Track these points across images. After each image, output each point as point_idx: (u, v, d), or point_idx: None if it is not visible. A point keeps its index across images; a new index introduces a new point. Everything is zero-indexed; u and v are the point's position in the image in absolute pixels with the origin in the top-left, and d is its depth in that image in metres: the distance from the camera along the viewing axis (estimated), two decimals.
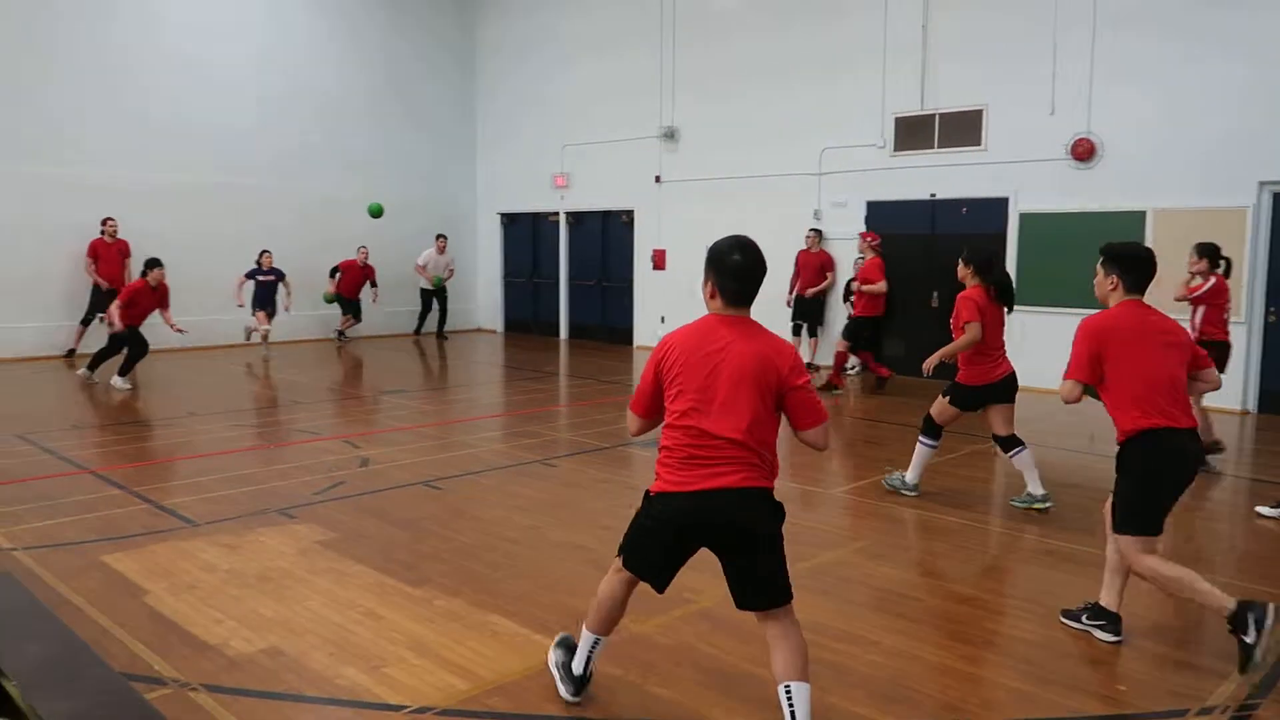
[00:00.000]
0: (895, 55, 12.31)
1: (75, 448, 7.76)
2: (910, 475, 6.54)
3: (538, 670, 3.72)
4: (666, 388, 3.19)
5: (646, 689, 3.65)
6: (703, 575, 4.84)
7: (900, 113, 12.35)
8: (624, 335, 16.03)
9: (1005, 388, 6.25)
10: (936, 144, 12.09)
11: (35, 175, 12.97)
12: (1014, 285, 6.49)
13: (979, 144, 11.73)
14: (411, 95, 17.20)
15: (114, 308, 10.65)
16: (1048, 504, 6.15)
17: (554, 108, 16.79)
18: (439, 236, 16.21)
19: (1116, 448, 4.09)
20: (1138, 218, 10.50)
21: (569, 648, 3.59)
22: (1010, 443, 6.25)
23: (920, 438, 6.48)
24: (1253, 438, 9.12)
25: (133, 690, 3.16)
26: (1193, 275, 7.80)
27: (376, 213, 12.85)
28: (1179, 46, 10.20)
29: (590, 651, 3.47)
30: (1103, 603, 4.18)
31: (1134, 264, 4.07)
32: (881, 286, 11.16)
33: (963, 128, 11.85)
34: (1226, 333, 7.73)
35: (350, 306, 15.29)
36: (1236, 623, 3.70)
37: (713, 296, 3.19)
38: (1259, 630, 3.63)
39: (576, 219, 16.89)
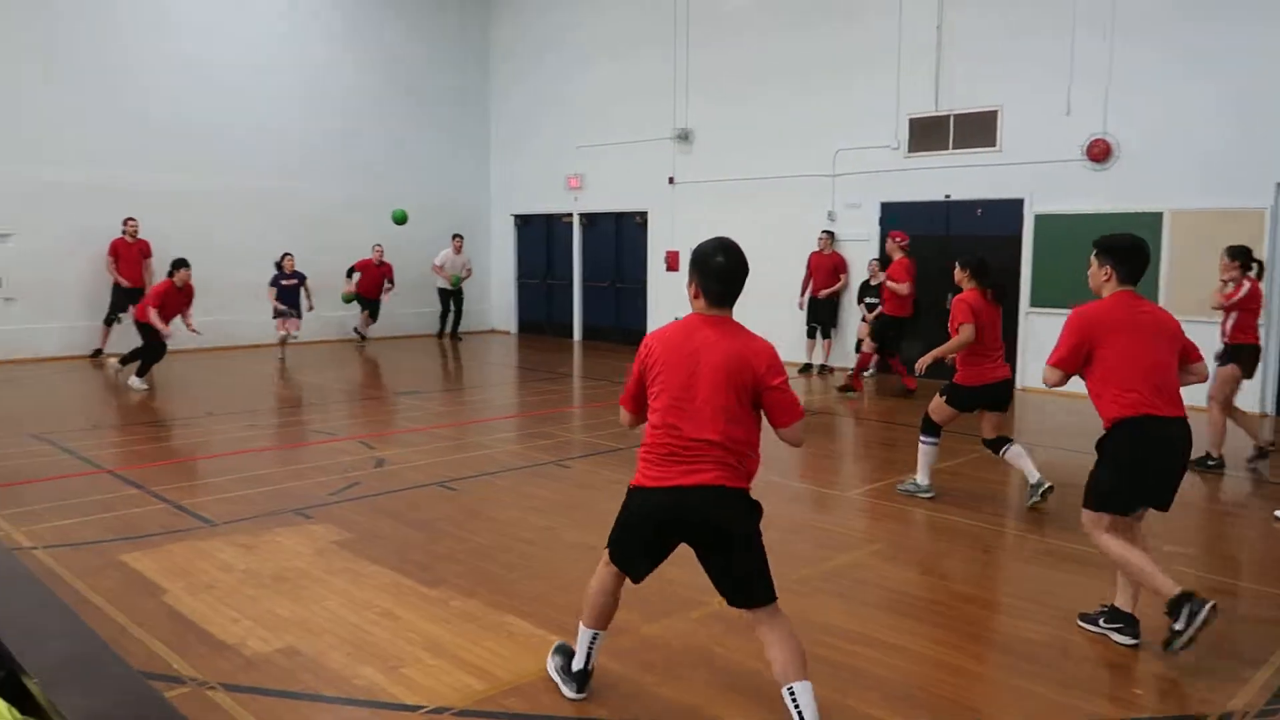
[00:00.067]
0: (910, 56, 12.27)
1: (94, 447, 7.82)
2: (921, 477, 6.55)
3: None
4: (649, 385, 3.26)
5: (659, 691, 3.65)
6: None
7: (914, 114, 12.32)
8: (637, 337, 15.92)
9: (1000, 394, 6.35)
10: (951, 145, 12.04)
11: (54, 179, 13.07)
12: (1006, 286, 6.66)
13: (994, 145, 11.68)
14: (425, 96, 17.25)
15: (152, 314, 10.60)
16: (1048, 485, 6.19)
17: (568, 109, 16.81)
18: (455, 236, 16.23)
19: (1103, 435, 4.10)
20: (1154, 219, 10.44)
21: (566, 653, 3.62)
22: (998, 443, 6.40)
23: (920, 437, 6.53)
24: (1273, 440, 9.04)
25: (152, 689, 3.18)
26: (1225, 281, 7.58)
27: (401, 219, 13.00)
28: (1197, 45, 10.13)
29: (589, 647, 3.50)
30: (1118, 605, 4.16)
31: (1127, 255, 4.09)
32: (905, 288, 11.03)
33: (977, 129, 11.81)
34: (1256, 336, 7.64)
35: (369, 305, 15.31)
36: (1172, 609, 3.81)
37: (696, 297, 3.27)
38: (1189, 623, 3.76)
39: (590, 220, 16.91)
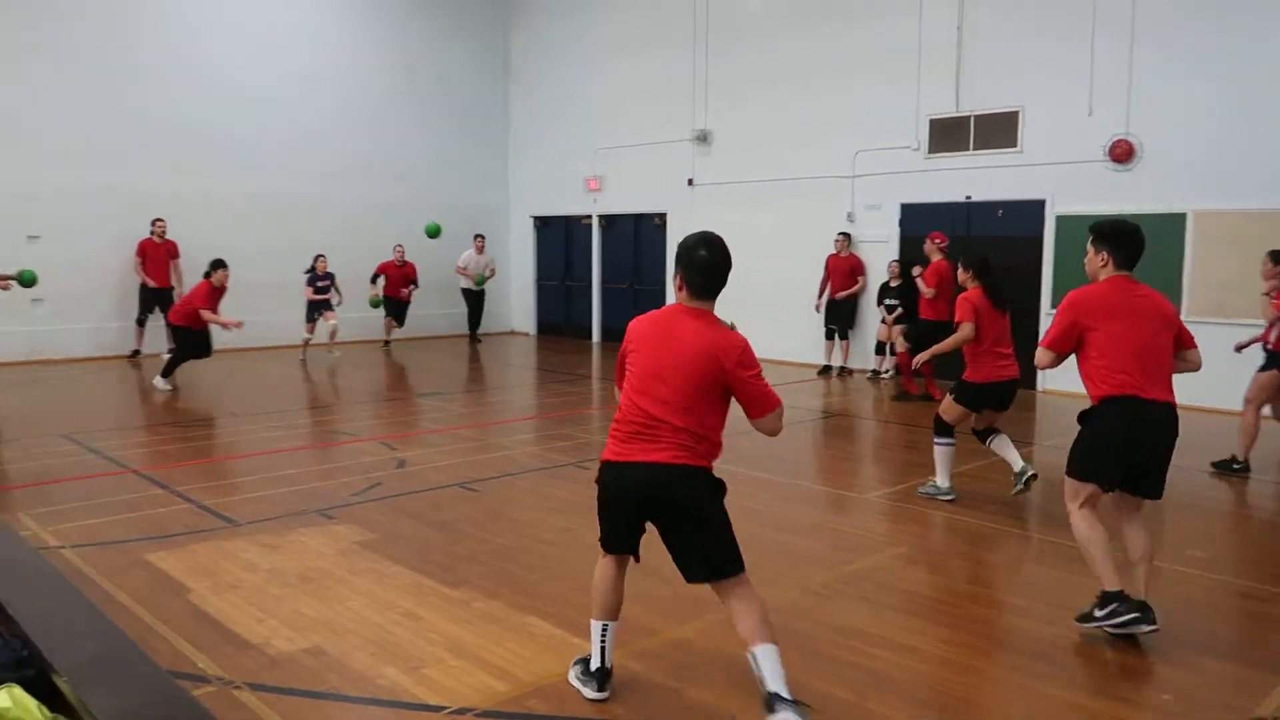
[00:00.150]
0: (930, 56, 12.23)
1: (120, 448, 7.90)
2: (940, 479, 6.55)
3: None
4: (627, 366, 3.45)
5: (684, 692, 3.65)
6: None
7: (934, 114, 12.27)
8: None
9: (1007, 393, 6.39)
10: (971, 146, 11.99)
11: (83, 182, 13.23)
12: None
13: (1015, 145, 11.62)
14: (446, 99, 17.33)
15: (209, 314, 10.74)
16: (1031, 473, 6.30)
17: (587, 111, 16.84)
18: (477, 236, 16.26)
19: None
20: (1178, 220, 10.36)
21: (585, 660, 3.64)
22: (986, 433, 6.52)
23: (935, 439, 6.55)
24: None
25: (180, 688, 3.22)
26: (1271, 289, 7.42)
27: (434, 233, 13.33)
28: (1221, 42, 10.04)
29: (602, 641, 3.56)
30: (1123, 589, 4.10)
31: (1122, 240, 4.16)
32: (930, 291, 10.73)
33: (998, 129, 11.75)
34: None
35: (395, 309, 15.33)
36: (1103, 601, 4.01)
37: (679, 289, 3.41)
38: (1107, 618, 3.99)
39: (609, 222, 16.93)
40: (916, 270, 11.33)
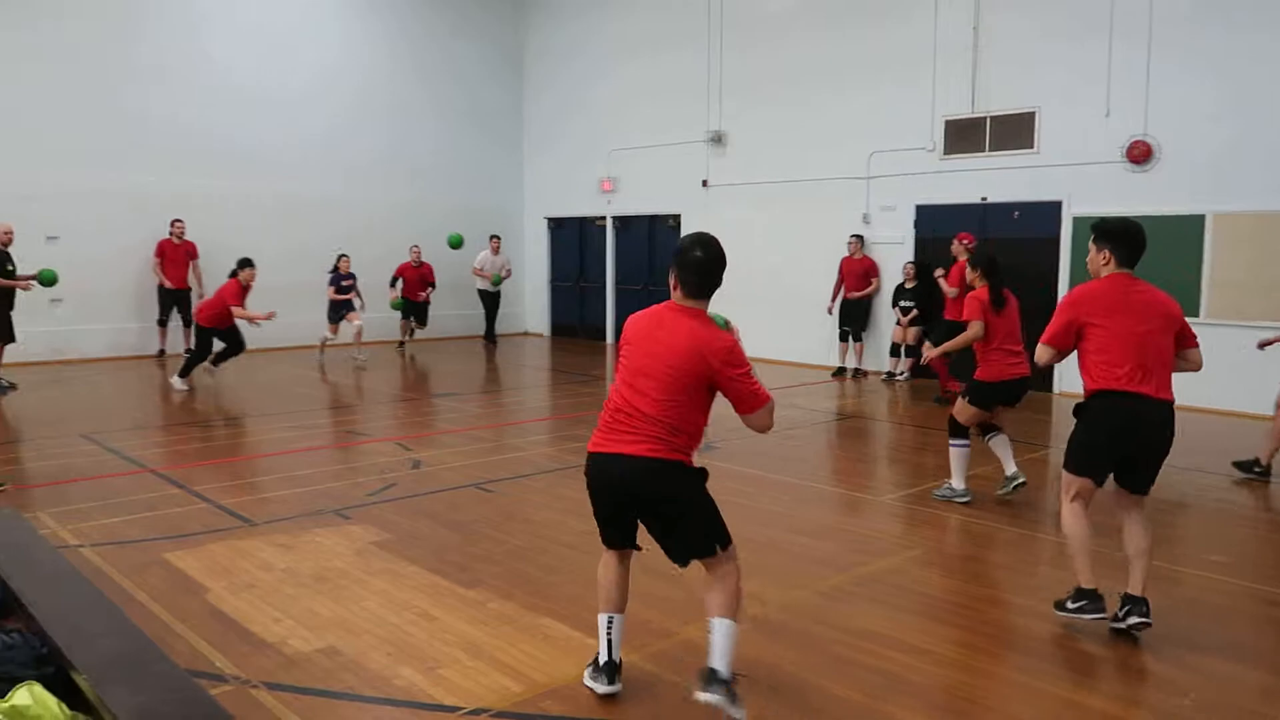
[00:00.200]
0: (945, 57, 12.18)
1: (138, 447, 7.96)
2: (956, 481, 6.54)
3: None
4: (620, 360, 3.56)
5: (699, 694, 3.64)
6: (757, 581, 4.85)
7: (950, 115, 12.22)
8: None
9: (1018, 391, 6.42)
10: (987, 147, 11.94)
11: (107, 184, 13.35)
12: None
13: (1031, 147, 11.56)
14: (460, 101, 17.38)
15: (241, 311, 10.86)
16: (1021, 480, 6.42)
17: (600, 112, 16.86)
18: (493, 237, 16.25)
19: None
20: (1197, 222, 10.28)
21: (596, 663, 3.65)
22: (987, 429, 6.56)
23: (950, 441, 6.54)
24: None
25: (198, 686, 3.23)
26: None
27: (456, 244, 13.64)
28: (1240, 42, 9.96)
29: (607, 633, 3.60)
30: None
31: (1123, 238, 4.21)
32: (953, 291, 10.54)
33: (1014, 130, 11.69)
34: None
35: (416, 310, 15.32)
36: (1076, 595, 4.19)
37: (674, 287, 3.50)
38: (1076, 612, 4.17)
39: (623, 223, 16.94)
40: (939, 272, 11.29)
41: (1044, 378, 10.97)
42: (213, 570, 4.94)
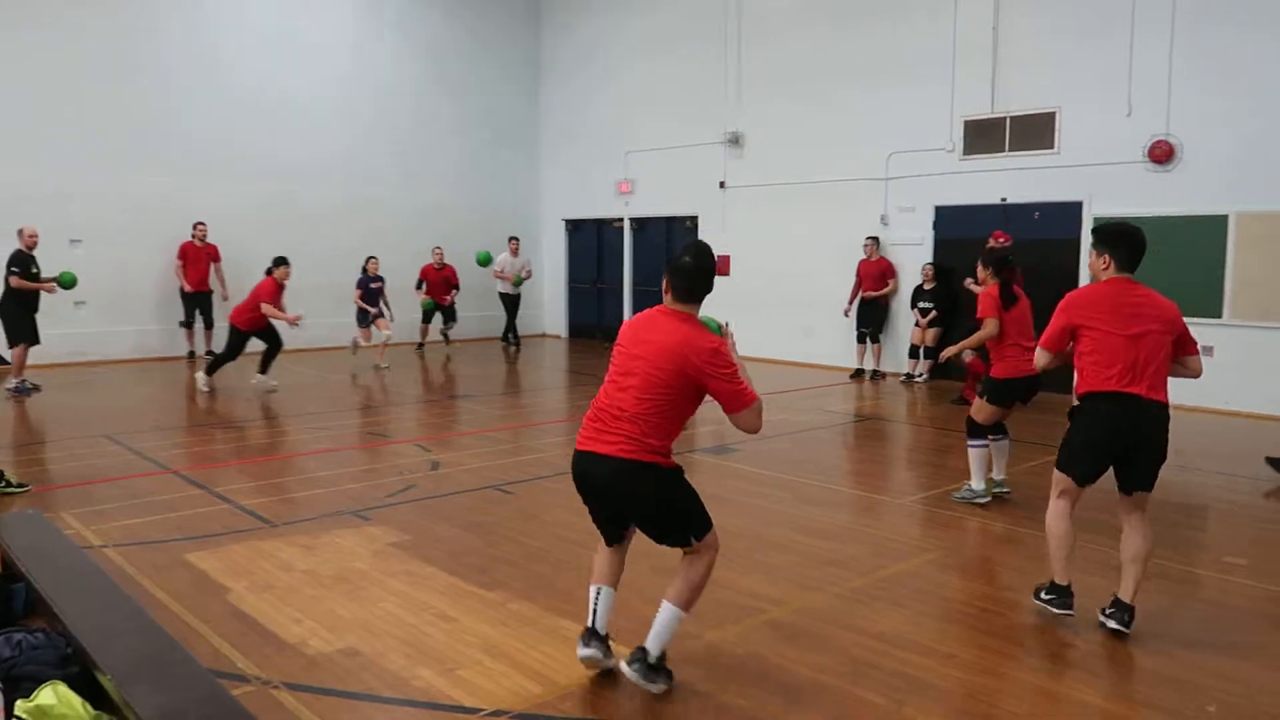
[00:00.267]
0: (965, 57, 12.12)
1: (160, 448, 8.02)
2: (975, 483, 6.52)
3: (611, 676, 3.74)
4: (610, 360, 3.71)
5: (719, 698, 3.64)
6: (778, 584, 4.84)
7: (969, 116, 12.16)
8: None
9: (1033, 387, 6.42)
10: (1007, 147, 11.86)
11: (131, 188, 13.50)
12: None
13: (1052, 147, 11.48)
14: (479, 104, 17.45)
15: (272, 308, 10.91)
16: (1005, 491, 6.52)
17: (618, 114, 16.87)
18: (511, 239, 16.27)
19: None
20: (1219, 222, 10.18)
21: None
22: (997, 429, 6.55)
23: (968, 442, 6.54)
24: None
25: (221, 687, 3.26)
26: None
27: (485, 261, 14.17)
28: (1264, 39, 9.85)
29: (594, 604, 3.76)
30: (1119, 594, 4.24)
31: (1123, 242, 4.25)
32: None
33: (1035, 130, 11.61)
34: None
35: (443, 312, 15.36)
36: (1051, 588, 4.35)
37: (666, 291, 3.63)
38: (1045, 604, 4.35)
39: (640, 225, 16.94)
40: (970, 281, 11.19)
41: (1065, 382, 10.88)
42: (234, 571, 4.97)
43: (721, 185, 15.17)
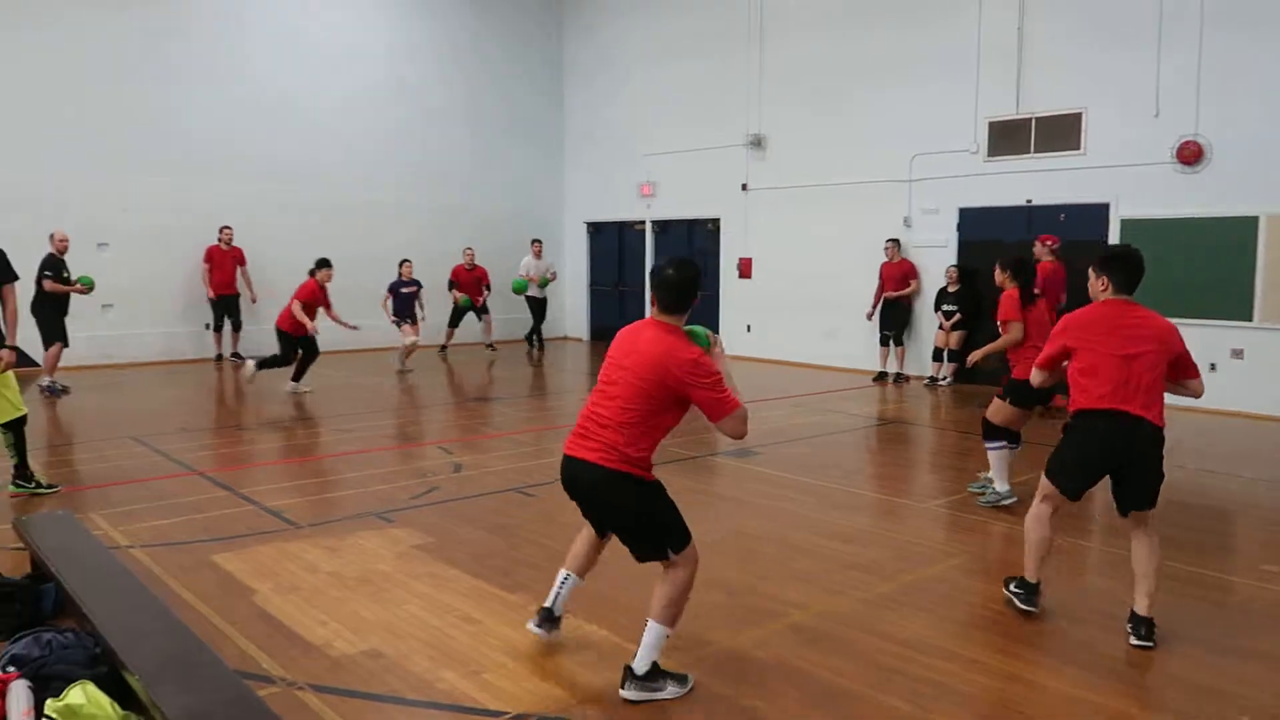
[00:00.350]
0: (989, 57, 12.04)
1: (186, 450, 8.09)
2: (999, 484, 6.49)
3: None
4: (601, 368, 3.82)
5: (740, 702, 3.62)
6: (801, 588, 4.81)
7: (994, 117, 12.07)
8: None
9: (1051, 389, 6.27)
10: (1032, 148, 11.77)
11: (157, 189, 13.65)
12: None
13: (1078, 148, 11.38)
14: (503, 107, 17.53)
15: (296, 306, 10.97)
16: (1005, 503, 6.44)
17: (639, 116, 16.89)
18: (534, 242, 16.30)
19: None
20: (1249, 224, 10.05)
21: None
22: (1013, 436, 6.52)
23: (986, 445, 6.52)
24: None
25: (247, 688, 3.28)
26: None
27: (521, 289, 14.69)
28: None
29: (559, 588, 4.05)
30: (1135, 609, 4.24)
31: (1121, 266, 4.33)
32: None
33: (1060, 131, 11.52)
34: None
35: (476, 311, 15.39)
36: (1019, 582, 4.53)
37: (651, 303, 3.76)
38: (1013, 596, 4.52)
39: (662, 227, 16.94)
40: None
41: None
42: (259, 572, 5.00)
43: (744, 187, 15.15)
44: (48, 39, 12.72)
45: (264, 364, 11.14)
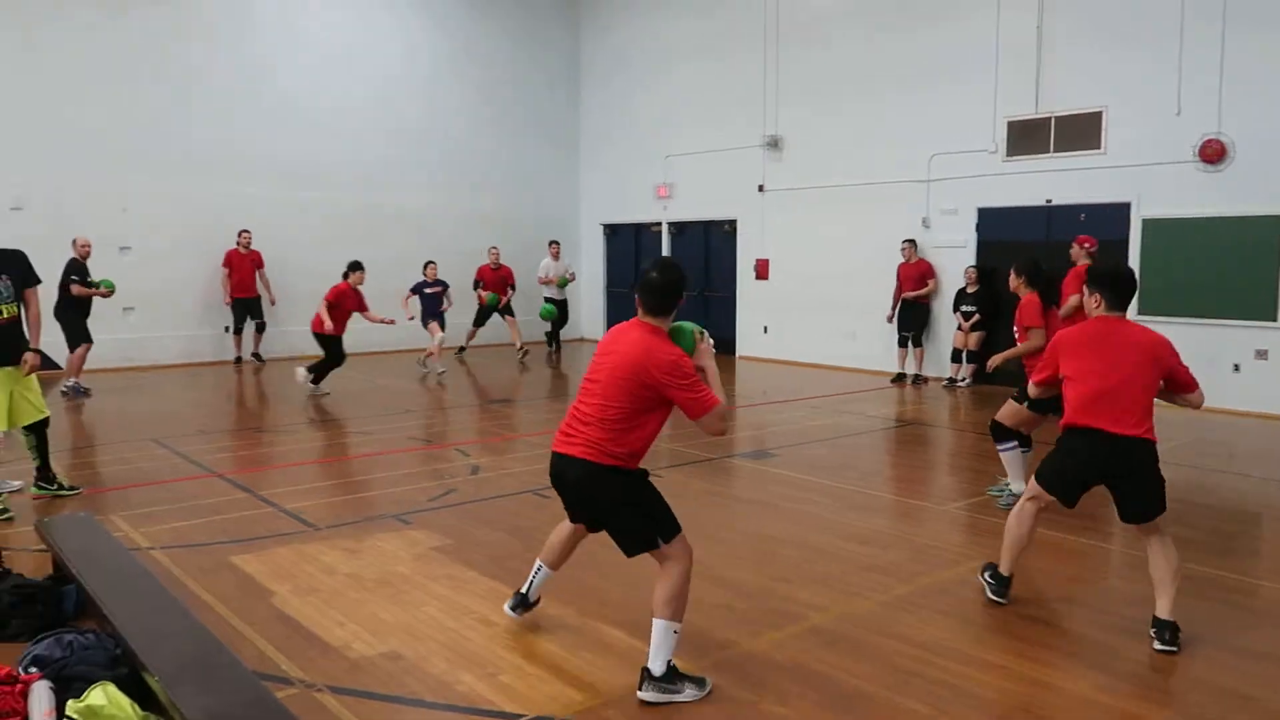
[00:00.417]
0: (1008, 56, 11.96)
1: (206, 452, 8.15)
2: (1015, 485, 6.46)
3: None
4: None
5: (759, 705, 3.61)
6: (819, 590, 4.79)
7: (1013, 116, 12.00)
8: (726, 346, 15.90)
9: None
10: (1052, 148, 11.69)
11: (179, 193, 13.77)
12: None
13: (1098, 147, 11.29)
14: (520, 109, 17.57)
15: (322, 307, 11.14)
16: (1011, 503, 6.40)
17: (656, 118, 16.89)
18: (552, 243, 16.25)
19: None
20: (1273, 223, 9.94)
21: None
22: (1025, 441, 6.51)
23: (997, 447, 6.50)
24: None
25: (267, 690, 3.29)
26: None
27: (549, 315, 14.89)
28: None
29: (533, 576, 4.28)
30: (1157, 613, 4.20)
31: (1113, 282, 4.40)
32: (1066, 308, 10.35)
33: (1080, 130, 11.43)
34: None
35: (500, 310, 15.37)
36: (994, 572, 4.69)
37: (638, 305, 3.82)
38: (986, 586, 4.69)
39: (678, 229, 16.93)
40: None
41: None
42: (278, 574, 5.02)
43: (760, 189, 15.12)
44: (73, 42, 12.84)
45: (314, 370, 11.21)
